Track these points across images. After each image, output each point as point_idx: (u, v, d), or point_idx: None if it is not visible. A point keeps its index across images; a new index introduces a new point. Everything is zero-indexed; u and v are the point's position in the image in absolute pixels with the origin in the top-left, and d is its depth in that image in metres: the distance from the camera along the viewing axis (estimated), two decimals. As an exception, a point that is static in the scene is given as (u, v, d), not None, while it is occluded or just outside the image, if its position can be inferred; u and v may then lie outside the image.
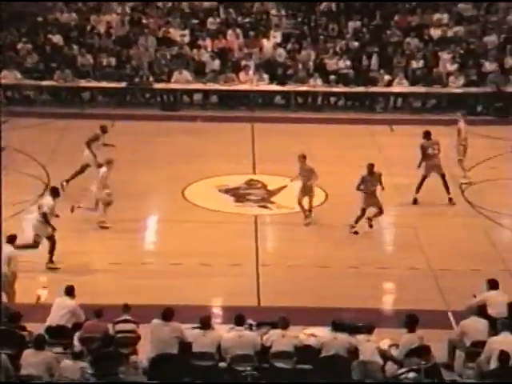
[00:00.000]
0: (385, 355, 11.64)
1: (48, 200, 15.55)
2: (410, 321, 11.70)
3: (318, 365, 11.60)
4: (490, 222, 17.41)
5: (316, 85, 25.17)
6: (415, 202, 18.15)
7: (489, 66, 25.56)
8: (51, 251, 15.17)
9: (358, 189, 16.67)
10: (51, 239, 15.20)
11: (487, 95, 24.89)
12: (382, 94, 25.38)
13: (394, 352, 11.67)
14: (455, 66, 25.54)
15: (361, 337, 11.62)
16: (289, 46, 26.66)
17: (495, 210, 17.69)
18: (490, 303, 12.50)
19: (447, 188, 18.10)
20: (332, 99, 25.64)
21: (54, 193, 15.76)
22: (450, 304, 14.04)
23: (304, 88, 25.16)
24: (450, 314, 13.69)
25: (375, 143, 21.87)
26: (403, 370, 11.26)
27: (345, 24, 27.57)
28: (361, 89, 25.15)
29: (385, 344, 11.87)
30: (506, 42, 26.56)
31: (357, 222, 16.75)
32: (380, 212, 16.75)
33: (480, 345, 11.59)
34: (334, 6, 28.33)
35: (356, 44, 26.74)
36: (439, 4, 28.05)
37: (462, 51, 26.20)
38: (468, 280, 14.57)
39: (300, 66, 25.79)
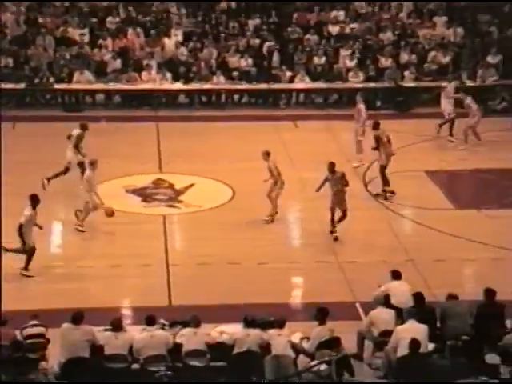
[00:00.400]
0: (296, 348, 11.81)
1: (27, 210, 15.00)
2: (320, 313, 11.90)
3: (231, 361, 11.68)
4: (393, 213, 17.84)
5: (219, 83, 25.26)
6: (392, 192, 18.32)
7: (385, 61, 26.18)
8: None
9: (318, 189, 16.60)
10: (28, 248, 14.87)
11: (386, 90, 25.49)
12: (285, 90, 25.67)
13: (306, 345, 11.86)
14: (354, 62, 26.05)
15: (272, 331, 11.76)
16: (190, 45, 26.65)
17: (398, 201, 18.14)
18: (392, 293, 12.79)
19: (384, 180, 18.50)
20: (235, 97, 25.76)
21: (33, 201, 15.19)
22: (357, 295, 14.34)
23: (207, 86, 25.21)
24: (358, 305, 13.98)
25: (280, 139, 22.09)
26: (315, 362, 11.44)
27: (245, 22, 27.75)
28: (263, 86, 25.36)
29: (296, 337, 12.05)
30: (401, 38, 27.24)
31: (333, 225, 16.52)
32: (343, 216, 16.55)
33: (387, 334, 11.87)
34: (233, 4, 28.49)
35: (257, 41, 26.96)
36: (335, 1, 28.57)
37: (360, 47, 26.75)
38: (374, 271, 14.88)
39: (202, 64, 25.83)
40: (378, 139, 18.46)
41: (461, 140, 21.46)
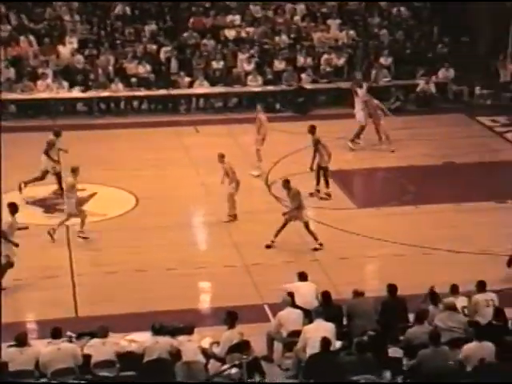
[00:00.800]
0: (207, 354, 11.82)
1: (6, 217, 14.64)
2: (229, 317, 11.95)
3: (142, 370, 11.60)
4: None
5: (117, 90, 25.05)
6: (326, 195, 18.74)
7: (279, 64, 26.49)
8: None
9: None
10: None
11: (285, 93, 25.80)
12: (184, 95, 25.66)
13: (216, 350, 11.88)
14: (252, 66, 26.26)
15: (182, 338, 11.73)
16: (87, 52, 26.35)
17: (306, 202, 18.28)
18: (298, 294, 12.92)
19: (327, 182, 18.88)
20: (135, 103, 25.62)
21: (12, 208, 14.94)
22: (265, 297, 14.45)
23: (106, 93, 24.98)
24: (266, 307, 14.10)
25: (181, 145, 22.09)
26: (226, 366, 11.48)
27: (141, 28, 27.61)
28: (163, 91, 25.30)
29: (206, 342, 12.06)
30: (296, 41, 27.61)
31: (313, 236, 16.43)
32: (307, 228, 16.48)
33: (296, 334, 12.03)
34: (128, 9, 28.30)
35: (154, 47, 26.86)
36: (231, 6, 28.75)
37: (257, 51, 26.99)
38: (281, 272, 15.05)
39: (100, 71, 25.57)
40: (316, 142, 18.79)
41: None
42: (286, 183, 16.68)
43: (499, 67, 26.90)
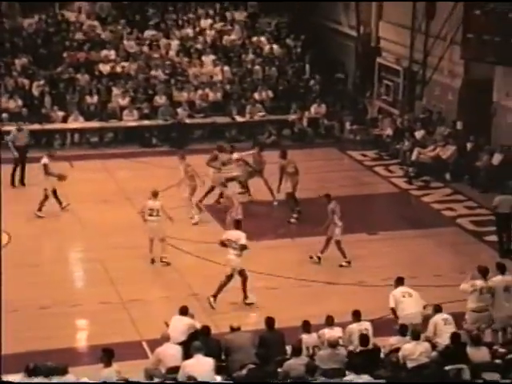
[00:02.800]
0: (83, 394, 11.58)
1: None
2: (106, 355, 11.73)
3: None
4: (175, 249, 17.98)
5: (-11, 124, 24.40)
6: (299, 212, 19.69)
7: (159, 99, 26.53)
8: None
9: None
10: None
11: (161, 127, 25.80)
12: (59, 130, 25.28)
13: (94, 389, 11.66)
14: (127, 100, 26.16)
15: (56, 379, 11.43)
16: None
17: (180, 237, 18.28)
18: (171, 329, 12.89)
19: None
20: (6, 138, 24.98)
21: None
22: (143, 334, 14.31)
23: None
24: (144, 343, 13.96)
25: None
26: (104, 406, 11.27)
27: (12, 61, 27.05)
28: (36, 126, 24.81)
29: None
30: (171, 76, 27.70)
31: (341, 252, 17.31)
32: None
33: (175, 370, 11.94)
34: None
35: (26, 81, 26.37)
36: (105, 40, 28.62)
37: (133, 86, 26.93)
38: (159, 308, 14.95)
39: (-31, 106, 24.87)
40: (282, 168, 19.80)
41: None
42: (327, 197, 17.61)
43: (367, 104, 27.83)
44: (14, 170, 21.79)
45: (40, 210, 19.53)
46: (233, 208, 18.33)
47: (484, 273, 14.26)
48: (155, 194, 17.47)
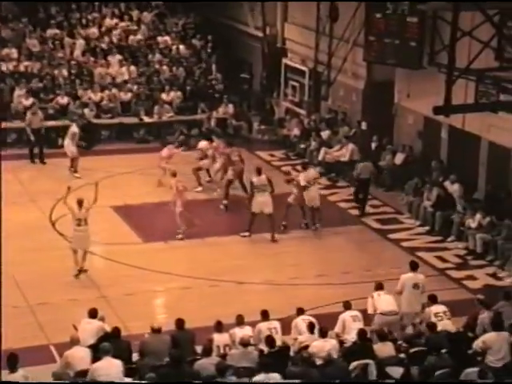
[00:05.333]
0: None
1: None
2: (10, 361, 11.47)
3: None
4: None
5: None
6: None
7: (61, 99, 26.05)
8: None
9: None
10: None
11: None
12: None
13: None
14: (31, 101, 25.56)
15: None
16: None
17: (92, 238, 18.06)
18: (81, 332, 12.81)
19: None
20: None
21: None
22: (51, 337, 14.11)
23: None
24: (52, 347, 13.76)
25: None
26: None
27: None
28: None
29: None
30: (77, 76, 27.30)
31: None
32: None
33: (84, 373, 11.81)
34: None
35: None
36: (6, 39, 28.01)
37: (37, 86, 26.45)
38: (67, 311, 14.75)
39: None
40: (228, 156, 21.00)
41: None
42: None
43: (274, 104, 28.09)
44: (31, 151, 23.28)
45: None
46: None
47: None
48: (80, 203, 16.74)
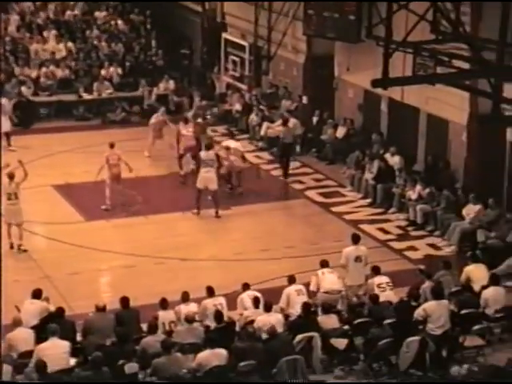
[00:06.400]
0: None
1: None
2: None
3: None
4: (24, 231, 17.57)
5: None
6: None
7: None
8: None
9: None
10: None
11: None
12: None
13: None
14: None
15: None
16: None
17: (29, 219, 17.79)
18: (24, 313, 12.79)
19: None
20: None
21: None
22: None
23: None
24: None
25: None
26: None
27: None
28: None
29: None
30: (12, 52, 26.76)
31: None
32: None
33: (28, 355, 11.75)
34: None
35: None
36: None
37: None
38: (9, 292, 14.39)
39: None
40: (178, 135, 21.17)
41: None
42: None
43: (215, 79, 27.98)
44: None
45: None
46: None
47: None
48: (11, 176, 16.77)
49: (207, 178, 18.76)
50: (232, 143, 20.82)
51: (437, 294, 13.19)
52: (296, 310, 13.38)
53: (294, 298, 13.62)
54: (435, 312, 12.87)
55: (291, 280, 14.00)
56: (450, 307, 13.13)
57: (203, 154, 19.18)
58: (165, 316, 12.84)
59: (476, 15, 17.31)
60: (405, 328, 12.73)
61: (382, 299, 13.60)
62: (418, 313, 12.97)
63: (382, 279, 14.14)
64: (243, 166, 20.50)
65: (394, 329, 12.69)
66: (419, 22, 13.16)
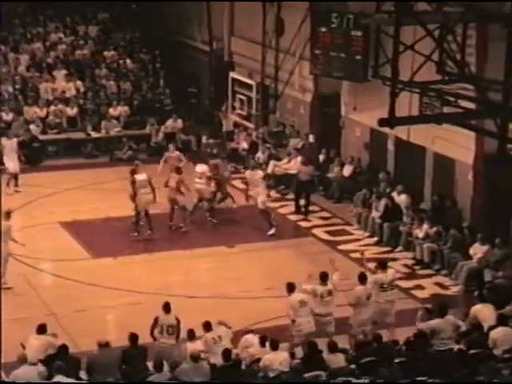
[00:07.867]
0: None
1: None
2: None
3: None
4: (31, 268, 17.60)
5: None
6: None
7: (6, 115, 25.81)
8: None
9: None
10: None
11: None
12: None
13: None
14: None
15: None
16: None
17: (35, 255, 17.88)
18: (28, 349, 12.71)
19: None
20: None
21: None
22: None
23: None
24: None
25: None
26: None
27: None
28: None
29: None
30: (21, 91, 26.95)
31: None
32: None
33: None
34: None
35: None
36: None
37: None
38: (14, 330, 14.53)
39: None
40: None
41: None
42: None
43: (222, 118, 28.15)
44: None
45: None
46: None
47: (323, 278, 14.61)
48: (8, 215, 16.84)
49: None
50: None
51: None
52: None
53: (297, 311, 13.89)
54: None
55: (291, 288, 14.02)
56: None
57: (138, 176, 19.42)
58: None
59: (481, 56, 17.45)
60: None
61: (381, 300, 14.12)
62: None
63: (383, 279, 14.59)
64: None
65: (403, 368, 12.57)
66: (425, 62, 13.28)
